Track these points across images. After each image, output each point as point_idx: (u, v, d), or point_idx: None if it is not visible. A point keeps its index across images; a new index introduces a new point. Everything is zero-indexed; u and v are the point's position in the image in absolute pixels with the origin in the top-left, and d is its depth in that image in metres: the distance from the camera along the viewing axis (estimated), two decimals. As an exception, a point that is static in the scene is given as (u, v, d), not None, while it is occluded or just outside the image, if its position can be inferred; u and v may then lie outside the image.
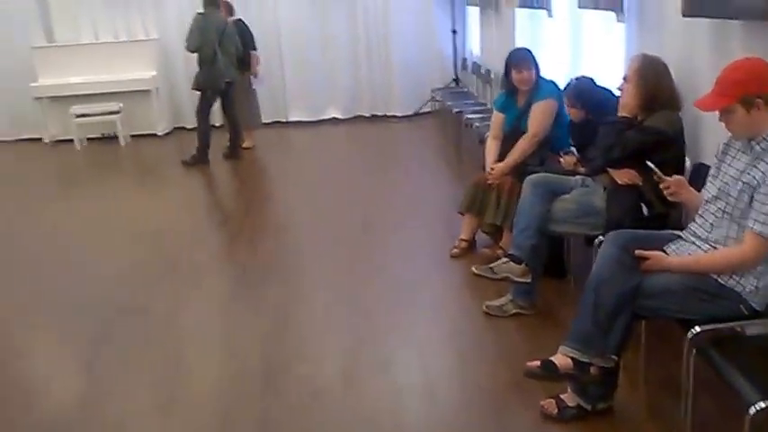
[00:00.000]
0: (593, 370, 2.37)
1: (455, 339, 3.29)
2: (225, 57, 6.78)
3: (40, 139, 8.57)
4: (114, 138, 8.23)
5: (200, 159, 6.96)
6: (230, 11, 7.24)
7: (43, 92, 8.27)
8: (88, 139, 8.24)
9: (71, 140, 8.17)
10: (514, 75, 3.95)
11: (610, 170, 3.09)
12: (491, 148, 4.12)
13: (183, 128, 8.78)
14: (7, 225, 5.49)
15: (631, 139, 2.93)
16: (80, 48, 8.43)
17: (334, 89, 8.96)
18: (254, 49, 7.44)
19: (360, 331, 3.36)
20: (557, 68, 4.87)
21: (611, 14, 3.79)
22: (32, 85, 8.24)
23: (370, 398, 2.81)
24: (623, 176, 3.03)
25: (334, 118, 8.99)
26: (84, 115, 8.08)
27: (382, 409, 2.73)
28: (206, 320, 3.65)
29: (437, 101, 8.37)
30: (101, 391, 2.99)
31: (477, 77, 7.71)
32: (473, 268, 3.89)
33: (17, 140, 8.78)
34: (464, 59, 8.62)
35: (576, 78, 3.67)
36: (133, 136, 8.33)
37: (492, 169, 4.01)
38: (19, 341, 3.56)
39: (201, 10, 6.77)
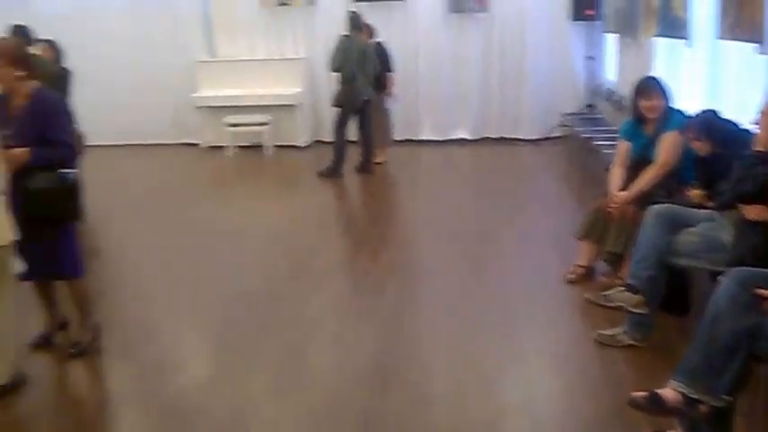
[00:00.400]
0: (702, 408, 2.31)
1: (561, 364, 3.32)
2: (363, 77, 7.15)
3: (197, 145, 9.39)
4: (260, 147, 8.87)
5: (334, 171, 7.36)
6: (371, 34, 7.62)
7: (203, 102, 9.09)
8: (238, 146, 8.94)
9: (223, 147, 8.91)
10: (642, 102, 3.91)
11: (739, 205, 3.00)
12: (615, 175, 4.09)
13: (322, 141, 9.29)
14: (163, 217, 6.11)
15: (763, 175, 2.84)
16: (237, 63, 9.20)
17: (464, 110, 9.11)
18: (391, 70, 7.77)
19: (468, 346, 3.48)
20: (693, 99, 4.73)
21: (752, 46, 3.66)
22: (194, 95, 9.09)
23: (472, 412, 2.92)
24: (753, 212, 2.93)
25: (462, 138, 9.13)
26: (236, 125, 8.79)
27: (483, 424, 2.83)
28: (326, 318, 3.93)
29: (567, 126, 8.28)
30: (226, 373, 3.32)
31: (610, 105, 7.57)
32: (586, 295, 3.88)
33: (177, 144, 9.67)
34: (598, 86, 8.48)
35: (702, 111, 3.59)
36: (277, 146, 8.93)
37: (616, 197, 3.98)
38: (160, 323, 4.00)
39: (346, 32, 7.19)
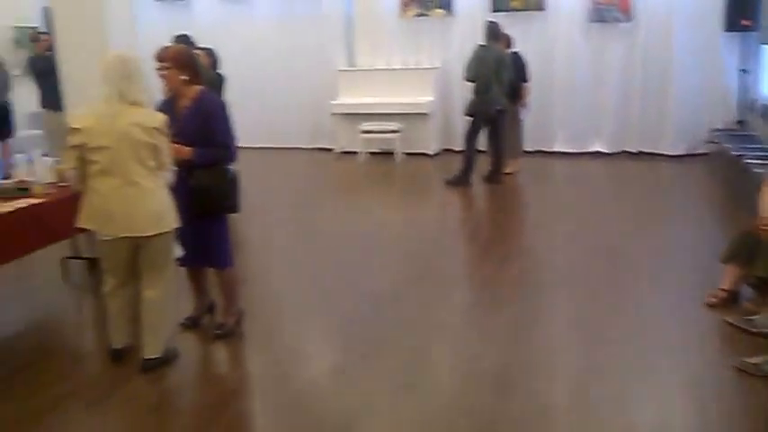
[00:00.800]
0: None
1: (695, 389, 3.18)
2: (498, 87, 7.16)
3: (330, 150, 9.80)
4: (391, 154, 9.10)
5: (462, 180, 7.43)
6: (509, 43, 7.62)
7: (340, 109, 9.48)
8: (370, 153, 9.23)
9: (355, 153, 9.23)
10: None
11: None
12: (767, 195, 3.87)
13: (451, 150, 9.39)
14: (298, 217, 6.45)
15: None
16: (375, 72, 9.51)
17: (602, 122, 8.86)
18: (526, 81, 7.72)
19: (594, 359, 3.43)
20: None
21: None
22: (333, 102, 9.50)
23: (594, 425, 2.88)
24: None
25: (598, 152, 8.88)
26: (369, 132, 9.08)
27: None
28: (449, 322, 4.00)
29: (714, 143, 7.82)
30: (353, 366, 3.47)
31: (764, 121, 7.08)
32: (728, 318, 3.69)
33: (313, 149, 10.14)
34: (752, 101, 7.95)
35: None
36: (407, 153, 9.13)
37: (767, 219, 3.76)
38: (295, 315, 4.24)
39: (483, 42, 7.24)
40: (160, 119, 3.24)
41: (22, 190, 4.14)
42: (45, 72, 7.58)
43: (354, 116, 9.31)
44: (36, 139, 9.03)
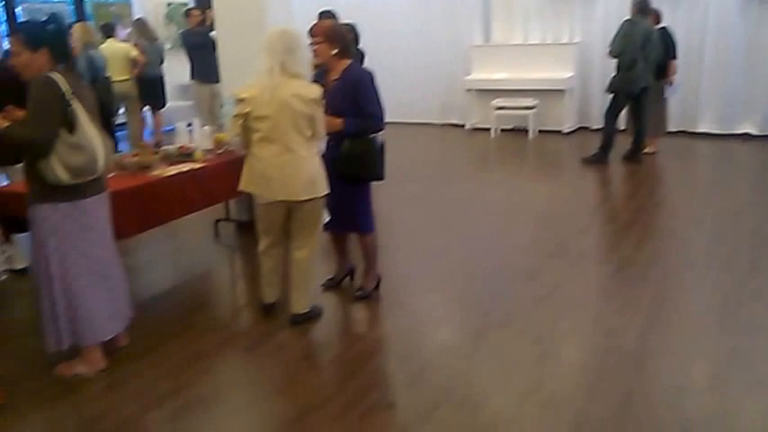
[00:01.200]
0: None
1: None
2: (644, 63, 6.88)
3: (462, 126, 9.84)
4: (524, 131, 9.01)
5: (600, 159, 7.24)
6: (658, 19, 7.28)
7: (473, 85, 9.48)
8: (502, 129, 9.18)
9: (487, 129, 9.21)
10: None
11: None
12: None
13: (587, 128, 9.15)
14: (430, 191, 6.58)
15: None
16: (510, 48, 9.41)
17: (754, 103, 8.27)
18: (675, 57, 7.35)
19: (734, 344, 3.32)
20: None
21: None
22: (466, 78, 9.52)
23: (731, 411, 2.81)
24: None
25: (747, 134, 8.32)
26: (502, 108, 9.03)
27: (751, 427, 2.72)
28: (584, 298, 3.99)
29: None
30: (486, 339, 3.57)
31: None
32: None
33: (443, 125, 10.22)
34: None
35: None
36: (541, 131, 9.00)
37: None
38: (428, 283, 4.38)
39: (630, 17, 6.97)
40: (317, 91, 3.45)
41: (185, 155, 4.55)
42: (196, 46, 8.16)
43: (488, 92, 9.29)
44: (185, 109, 9.79)
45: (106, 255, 3.21)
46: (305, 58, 3.48)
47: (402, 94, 10.28)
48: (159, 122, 8.90)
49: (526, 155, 8.29)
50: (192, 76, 8.31)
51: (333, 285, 4.23)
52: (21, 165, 4.19)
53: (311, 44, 3.76)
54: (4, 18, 9.09)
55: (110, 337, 3.32)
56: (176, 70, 9.46)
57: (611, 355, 3.30)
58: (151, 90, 8.42)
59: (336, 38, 3.78)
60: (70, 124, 2.89)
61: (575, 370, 3.21)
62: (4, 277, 2.97)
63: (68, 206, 2.99)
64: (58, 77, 2.89)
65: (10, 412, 2.98)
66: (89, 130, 2.94)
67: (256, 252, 3.84)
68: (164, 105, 8.84)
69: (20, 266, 4.42)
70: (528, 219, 5.61)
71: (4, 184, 3.69)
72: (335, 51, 3.75)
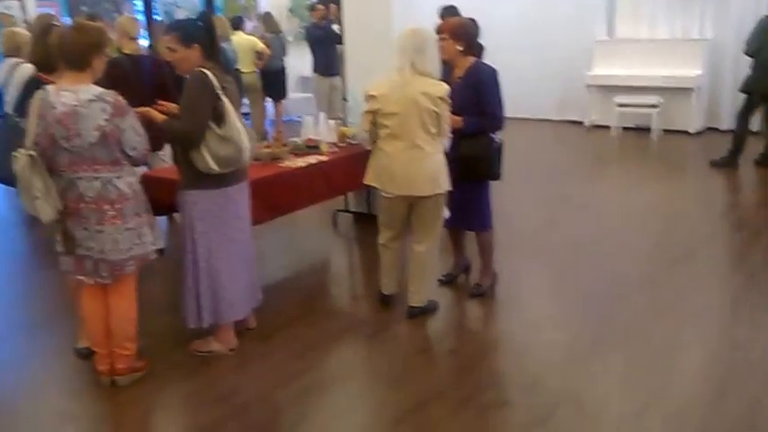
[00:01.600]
0: None
1: None
2: (785, 62, 6.46)
3: (581, 123, 9.59)
4: (647, 130, 8.67)
5: (729, 162, 6.87)
6: (801, 14, 6.80)
7: (595, 81, 9.20)
8: (623, 128, 8.87)
9: (607, 127, 8.93)
10: None
11: None
12: None
13: (716, 129, 8.68)
14: (547, 190, 6.47)
15: None
16: (635, 43, 9.06)
17: None
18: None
19: None
20: None
21: None
22: (587, 73, 9.26)
23: None
24: None
25: None
26: (624, 105, 8.73)
27: None
28: (710, 308, 3.84)
29: None
30: (603, 346, 3.51)
31: None
32: None
33: (560, 121, 10.00)
34: None
35: None
36: (665, 131, 8.63)
37: None
38: (542, 285, 4.35)
39: (769, 13, 6.56)
40: (444, 89, 3.51)
41: (312, 147, 4.73)
42: (319, 40, 8.43)
43: (610, 89, 8.99)
44: (304, 100, 10.15)
45: (245, 238, 3.43)
46: (435, 58, 3.54)
47: (518, 89, 10.02)
48: (280, 113, 9.28)
49: (649, 155, 7.99)
50: (314, 69, 8.59)
51: (449, 281, 4.29)
52: (160, 152, 4.58)
53: (438, 41, 3.82)
54: (143, 11, 9.78)
55: (242, 318, 3.54)
56: (297, 62, 9.83)
57: (739, 368, 3.17)
58: (274, 82, 8.80)
59: (462, 35, 3.83)
60: (220, 117, 3.11)
61: (698, 382, 3.11)
62: (153, 256, 3.21)
63: (216, 193, 3.22)
64: (209, 73, 3.11)
65: (152, 381, 3.25)
66: (236, 123, 3.15)
67: (373, 243, 3.96)
68: (285, 96, 9.21)
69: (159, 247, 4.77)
70: (651, 223, 5.42)
71: (145, 169, 4.01)
72: (461, 48, 3.80)
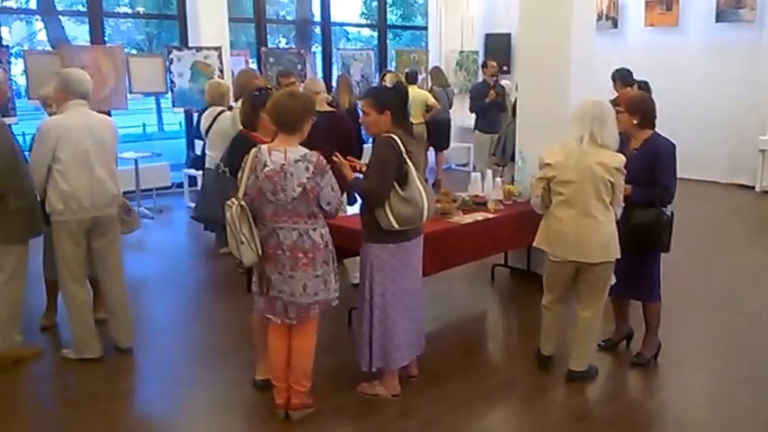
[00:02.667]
0: None
1: None
2: None
3: (752, 187, 9.05)
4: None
5: None
6: None
7: (766, 145, 8.70)
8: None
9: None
10: None
11: None
12: None
13: None
14: (713, 262, 6.18)
15: None
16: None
17: None
18: None
19: None
20: None
21: None
22: (761, 138, 8.78)
23: None
24: None
25: None
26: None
27: None
28: None
29: None
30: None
31: None
32: None
33: (728, 184, 9.49)
34: None
35: None
36: None
37: None
38: (711, 364, 4.17)
39: None
40: (620, 160, 3.57)
41: (479, 204, 4.91)
42: (482, 96, 8.66)
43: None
44: (461, 149, 10.43)
45: (416, 289, 3.66)
46: (614, 131, 3.61)
47: (685, 148, 9.70)
48: (441, 162, 9.62)
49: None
50: (476, 126, 8.82)
51: (608, 347, 4.26)
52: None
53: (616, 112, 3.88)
54: (322, 63, 10.60)
55: (407, 363, 3.74)
56: (459, 113, 10.14)
57: None
58: (439, 132, 9.17)
59: (638, 109, 3.90)
60: (404, 180, 3.38)
61: None
62: (336, 302, 3.49)
63: (395, 247, 3.49)
64: (397, 138, 3.40)
65: (320, 419, 3.46)
66: (418, 185, 3.40)
67: (531, 300, 4.03)
68: (448, 147, 9.54)
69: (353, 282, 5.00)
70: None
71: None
72: (636, 122, 3.86)
